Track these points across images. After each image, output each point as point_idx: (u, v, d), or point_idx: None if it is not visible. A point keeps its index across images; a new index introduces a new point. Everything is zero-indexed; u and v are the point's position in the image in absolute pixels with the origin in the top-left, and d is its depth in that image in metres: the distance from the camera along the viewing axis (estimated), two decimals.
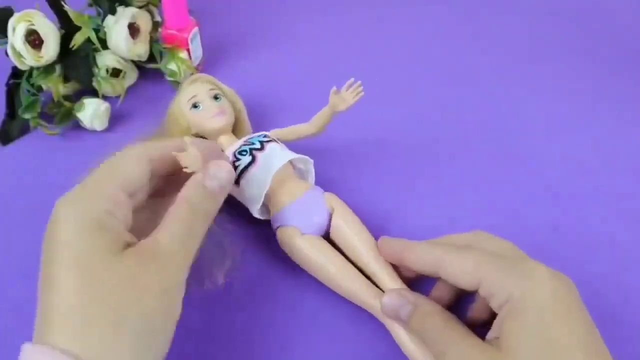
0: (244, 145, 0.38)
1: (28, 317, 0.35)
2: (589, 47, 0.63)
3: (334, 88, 0.38)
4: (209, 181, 0.28)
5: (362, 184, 0.45)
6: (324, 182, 0.41)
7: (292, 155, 0.38)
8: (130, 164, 0.28)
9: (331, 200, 0.38)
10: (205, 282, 0.34)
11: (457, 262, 0.29)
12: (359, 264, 0.35)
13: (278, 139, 0.40)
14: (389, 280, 0.34)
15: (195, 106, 0.41)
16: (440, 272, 0.30)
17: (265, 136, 0.40)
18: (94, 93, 0.51)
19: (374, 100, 0.54)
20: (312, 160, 0.40)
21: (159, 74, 0.54)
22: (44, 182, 0.44)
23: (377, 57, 0.60)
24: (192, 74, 0.53)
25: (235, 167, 0.37)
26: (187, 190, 0.28)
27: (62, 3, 0.48)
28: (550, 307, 0.25)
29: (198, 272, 0.33)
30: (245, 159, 0.37)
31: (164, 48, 0.53)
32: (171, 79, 0.53)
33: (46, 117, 0.49)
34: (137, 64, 0.54)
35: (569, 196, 0.44)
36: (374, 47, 0.62)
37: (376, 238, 0.39)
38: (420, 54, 0.61)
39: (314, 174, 0.40)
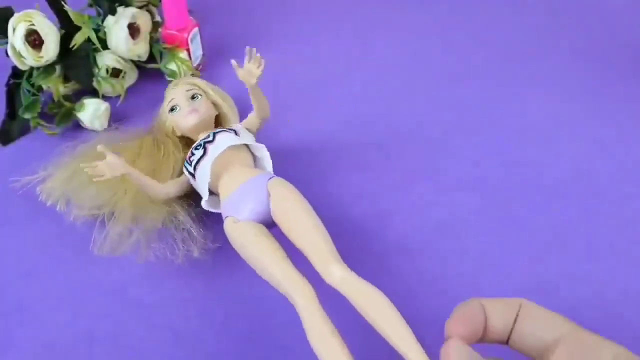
0: (203, 139, 0.40)
1: (28, 317, 0.35)
2: (590, 47, 0.63)
3: (233, 62, 0.38)
4: None
5: (361, 183, 0.45)
6: (322, 182, 0.41)
7: (234, 141, 0.38)
8: None
9: (274, 186, 0.36)
10: (179, 254, 0.37)
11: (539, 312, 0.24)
12: (299, 248, 0.33)
13: (248, 129, 0.42)
14: (323, 263, 0.31)
15: (172, 109, 0.43)
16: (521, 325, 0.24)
17: (222, 130, 0.40)
18: (94, 93, 0.51)
19: (374, 100, 0.54)
20: (263, 146, 0.40)
21: (159, 74, 0.54)
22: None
23: (377, 57, 0.60)
24: (192, 74, 0.53)
25: (191, 162, 0.39)
26: None
27: (62, 3, 0.48)
28: None
29: (171, 250, 0.37)
30: (199, 153, 0.39)
31: (164, 48, 0.53)
32: (171, 79, 0.53)
33: (46, 117, 0.49)
34: (137, 64, 0.54)
35: (569, 196, 0.44)
36: (374, 47, 0.62)
37: (376, 237, 0.39)
38: (420, 54, 0.61)
39: (269, 160, 0.40)
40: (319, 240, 0.32)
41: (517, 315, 0.24)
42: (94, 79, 0.50)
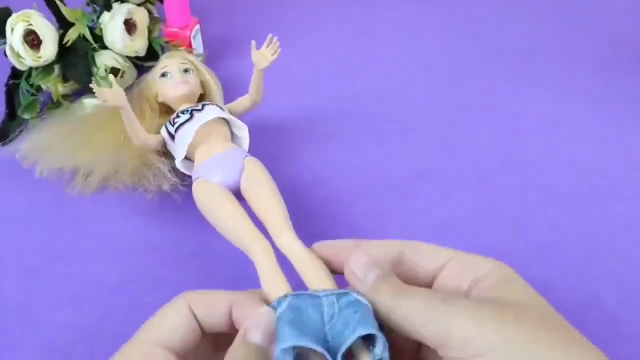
0: (189, 106, 0.41)
1: (28, 317, 0.35)
2: (590, 47, 0.63)
3: (253, 42, 0.40)
4: (249, 335, 0.25)
5: (361, 182, 0.45)
6: (319, 182, 0.41)
7: (222, 114, 0.40)
8: (170, 316, 0.25)
9: (249, 163, 0.37)
10: (150, 191, 0.40)
11: (422, 244, 0.26)
12: (261, 219, 0.34)
13: (231, 112, 0.43)
14: (282, 234, 0.32)
15: (163, 75, 0.44)
16: (404, 255, 0.26)
17: (211, 103, 0.42)
18: (93, 93, 0.50)
19: (374, 100, 0.54)
20: (245, 126, 0.41)
21: None
22: (44, 181, 0.44)
23: (377, 57, 0.60)
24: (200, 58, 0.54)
25: (174, 124, 0.40)
26: (232, 350, 0.24)
27: (57, 1, 0.48)
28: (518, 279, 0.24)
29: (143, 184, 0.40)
30: (184, 117, 0.40)
31: (166, 42, 0.53)
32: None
33: (46, 117, 0.49)
34: (136, 63, 0.54)
35: (569, 196, 0.44)
36: (374, 47, 0.62)
37: (375, 237, 0.39)
38: (420, 54, 0.61)
39: (248, 141, 0.41)
40: (277, 211, 0.34)
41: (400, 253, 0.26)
42: (93, 79, 0.50)
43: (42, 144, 0.43)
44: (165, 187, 0.40)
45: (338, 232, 0.41)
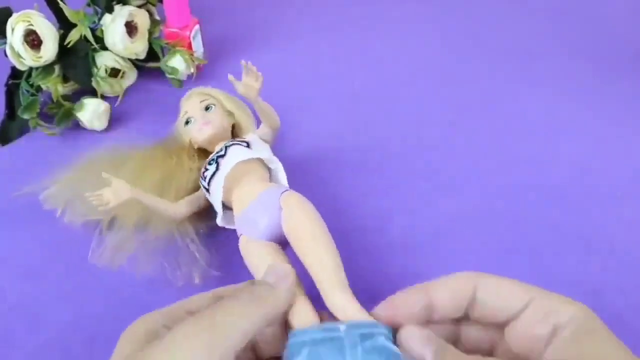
0: (216, 153, 0.39)
1: (28, 317, 0.35)
2: (590, 46, 0.63)
3: (231, 77, 0.37)
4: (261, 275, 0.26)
5: (360, 183, 0.45)
6: (319, 184, 0.41)
7: (244, 156, 0.37)
8: (199, 298, 0.24)
9: (287, 200, 0.33)
10: (179, 278, 0.36)
11: (499, 282, 0.24)
12: (309, 270, 0.30)
13: (263, 139, 0.41)
14: (334, 293, 0.27)
15: (187, 122, 0.42)
16: (478, 294, 0.24)
17: (234, 142, 0.39)
18: (93, 93, 0.51)
19: (374, 99, 0.54)
20: (276, 158, 0.38)
21: (159, 74, 0.54)
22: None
23: (377, 57, 0.60)
24: (197, 64, 0.54)
25: (205, 177, 0.38)
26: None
27: (59, 2, 0.48)
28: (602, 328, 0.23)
29: (172, 270, 0.36)
30: (212, 168, 0.37)
31: (166, 43, 0.53)
32: (172, 76, 0.53)
33: (46, 117, 0.49)
34: (137, 64, 0.54)
35: (569, 196, 0.44)
36: (374, 46, 0.62)
37: (375, 238, 0.39)
38: (420, 54, 0.61)
39: (284, 173, 0.38)
40: (325, 262, 0.29)
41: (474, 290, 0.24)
42: (93, 79, 0.50)
43: (68, 190, 0.40)
44: (197, 280, 0.36)
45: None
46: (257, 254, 0.32)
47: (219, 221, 0.37)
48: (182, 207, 0.38)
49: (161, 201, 0.37)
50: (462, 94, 0.55)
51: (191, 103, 0.42)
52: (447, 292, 0.24)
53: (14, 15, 0.46)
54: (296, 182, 0.44)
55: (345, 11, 0.68)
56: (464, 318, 0.25)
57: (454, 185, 0.45)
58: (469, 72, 0.58)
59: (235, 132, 0.44)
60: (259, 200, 0.34)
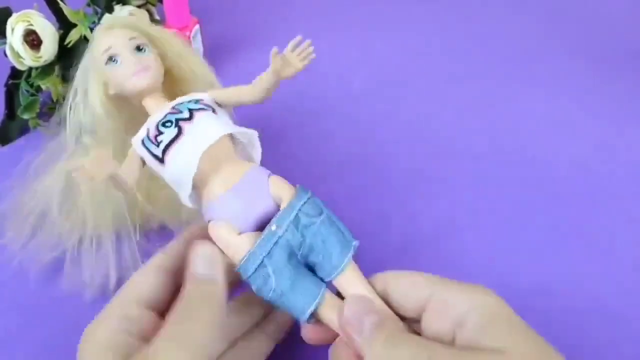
0: (170, 113, 0.30)
1: (27, 317, 0.35)
2: (590, 46, 0.63)
3: (275, 49, 0.31)
4: (192, 267, 0.26)
5: (361, 183, 0.45)
6: (319, 182, 0.41)
7: (230, 128, 0.30)
8: (144, 277, 0.28)
9: (278, 187, 0.29)
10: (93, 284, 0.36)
11: (405, 278, 0.26)
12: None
13: (218, 103, 0.33)
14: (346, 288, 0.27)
15: (111, 59, 0.32)
16: (389, 292, 0.26)
17: (197, 101, 0.31)
18: None
19: (374, 99, 0.54)
20: (255, 132, 0.32)
21: None
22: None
23: (377, 57, 0.60)
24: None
25: (158, 143, 0.30)
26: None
27: (59, 1, 0.48)
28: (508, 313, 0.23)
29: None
30: (169, 132, 0.29)
31: None
32: None
33: (45, 117, 0.49)
34: None
35: (569, 196, 0.44)
36: (374, 46, 0.62)
37: (375, 237, 0.39)
38: (420, 54, 0.61)
39: (259, 148, 0.32)
40: None
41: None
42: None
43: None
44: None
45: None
46: (235, 243, 0.27)
47: (186, 200, 0.30)
48: (132, 173, 0.30)
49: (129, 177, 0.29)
50: (462, 93, 0.55)
51: (117, 37, 0.32)
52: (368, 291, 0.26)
53: (14, 15, 0.46)
54: (295, 182, 0.44)
55: (345, 11, 0.68)
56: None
57: (453, 185, 0.45)
58: (469, 72, 0.58)
59: (167, 85, 0.35)
60: (244, 183, 0.29)
